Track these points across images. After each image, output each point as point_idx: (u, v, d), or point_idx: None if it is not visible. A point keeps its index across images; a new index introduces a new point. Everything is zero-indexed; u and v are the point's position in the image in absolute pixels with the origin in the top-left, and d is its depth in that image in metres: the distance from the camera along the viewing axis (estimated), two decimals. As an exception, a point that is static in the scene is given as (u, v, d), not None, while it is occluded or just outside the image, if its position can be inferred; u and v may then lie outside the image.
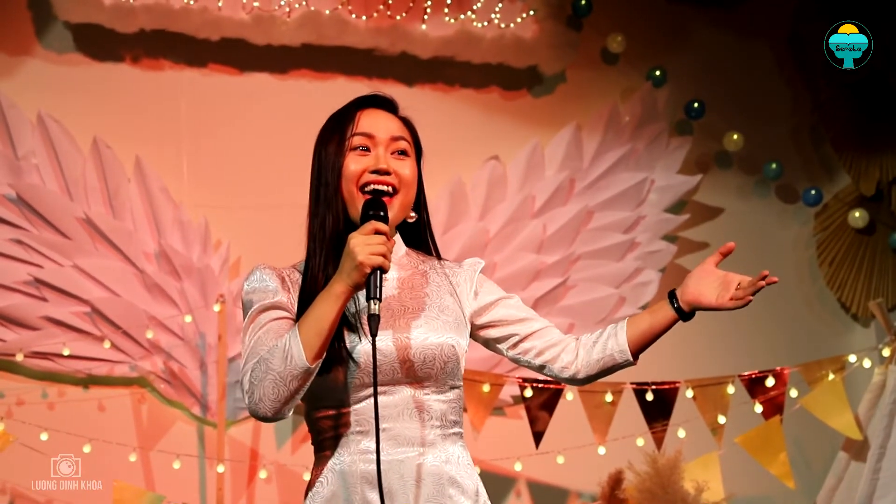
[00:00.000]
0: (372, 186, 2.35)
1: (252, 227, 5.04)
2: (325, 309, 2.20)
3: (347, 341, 2.27)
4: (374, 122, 2.41)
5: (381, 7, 5.11)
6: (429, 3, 5.14)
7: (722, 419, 4.92)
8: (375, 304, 2.19)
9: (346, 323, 2.29)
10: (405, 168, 2.39)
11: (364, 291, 2.22)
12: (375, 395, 2.23)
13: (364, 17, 5.12)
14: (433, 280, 2.42)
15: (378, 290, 2.20)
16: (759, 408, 4.93)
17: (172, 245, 4.88)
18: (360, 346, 2.27)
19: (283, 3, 5.02)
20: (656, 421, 4.86)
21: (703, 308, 2.38)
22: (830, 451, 5.16)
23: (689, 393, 4.94)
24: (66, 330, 4.78)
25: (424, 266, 2.46)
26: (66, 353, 4.75)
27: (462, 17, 5.20)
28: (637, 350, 2.43)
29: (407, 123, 2.47)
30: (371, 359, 2.24)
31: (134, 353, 4.84)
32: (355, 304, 2.31)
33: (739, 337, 5.45)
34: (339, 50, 5.14)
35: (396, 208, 2.37)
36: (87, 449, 4.64)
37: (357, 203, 2.35)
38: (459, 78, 5.31)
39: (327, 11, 5.08)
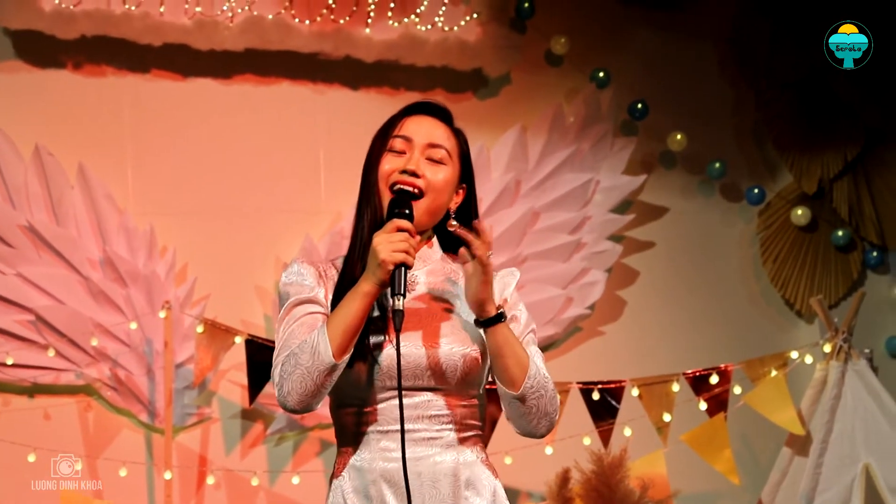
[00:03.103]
0: (398, 186, 2.40)
1: (198, 233, 5.03)
2: (353, 306, 2.28)
3: (373, 341, 2.33)
4: (415, 127, 2.46)
5: (325, 11, 5.11)
6: (372, 6, 5.15)
7: (667, 417, 4.97)
8: (399, 300, 2.26)
9: (372, 322, 2.34)
10: (435, 174, 2.43)
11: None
12: (400, 392, 2.29)
13: (307, 22, 5.11)
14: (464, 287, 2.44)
15: (402, 286, 2.26)
16: (703, 405, 4.99)
17: (117, 252, 4.86)
18: (386, 348, 2.33)
19: (225, 7, 5.01)
20: (602, 420, 4.91)
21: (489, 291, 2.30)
22: (775, 447, 5.22)
23: (635, 391, 4.99)
24: (9, 339, 4.74)
25: (458, 272, 2.47)
26: (9, 361, 4.71)
27: (406, 20, 5.21)
28: (509, 381, 2.32)
29: (458, 135, 2.51)
30: (395, 361, 2.30)
31: (79, 360, 4.81)
32: (383, 303, 2.35)
33: (684, 335, 5.51)
34: (282, 54, 5.14)
35: (421, 210, 2.40)
36: (31, 458, 4.61)
37: (385, 202, 2.41)
38: (404, 81, 5.32)
39: (270, 16, 5.08)
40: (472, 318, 2.38)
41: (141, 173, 5.02)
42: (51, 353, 4.75)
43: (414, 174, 2.41)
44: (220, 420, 4.96)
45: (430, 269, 2.46)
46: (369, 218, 2.43)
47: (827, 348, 5.14)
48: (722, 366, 5.02)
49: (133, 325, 4.81)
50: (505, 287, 2.48)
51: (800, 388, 5.19)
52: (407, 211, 2.35)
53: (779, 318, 5.71)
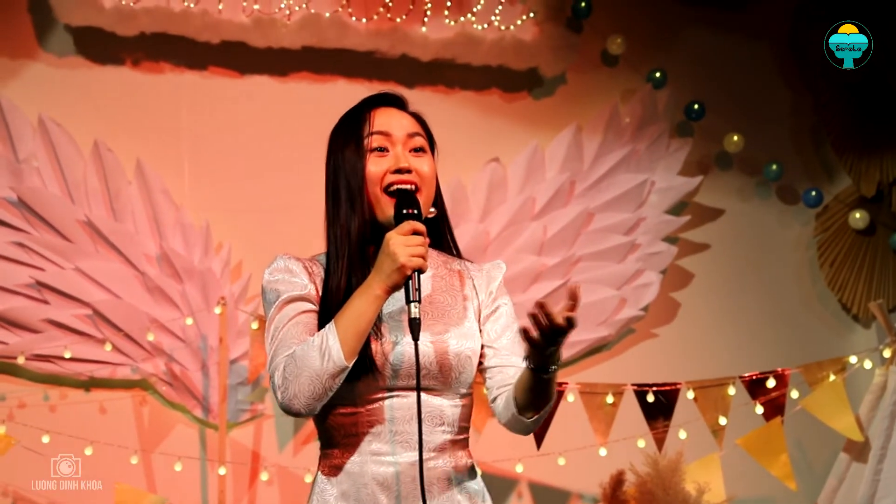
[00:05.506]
0: (395, 187, 2.34)
1: (253, 230, 5.04)
2: (363, 308, 2.21)
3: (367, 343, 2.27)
4: (388, 121, 2.39)
5: (381, 9, 5.12)
6: (429, 5, 5.14)
7: (723, 420, 4.92)
8: (416, 308, 2.21)
9: None
10: (424, 165, 2.38)
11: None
12: (419, 397, 2.25)
13: (364, 20, 5.12)
14: (464, 283, 2.42)
15: (417, 292, 2.21)
16: (760, 409, 4.93)
17: (174, 247, 4.89)
18: (379, 348, 2.28)
19: (283, 5, 5.03)
20: (657, 422, 4.87)
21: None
22: (832, 453, 5.16)
23: (690, 394, 4.94)
24: (67, 332, 4.78)
25: (453, 266, 2.45)
26: (67, 355, 4.75)
27: (462, 19, 5.20)
28: (529, 410, 2.33)
29: (419, 119, 2.46)
30: (388, 361, 2.27)
31: (135, 355, 4.84)
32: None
33: (740, 338, 5.46)
34: (339, 52, 5.15)
35: (421, 205, 2.35)
36: (88, 451, 4.65)
37: (382, 205, 2.34)
38: (459, 80, 5.32)
39: (327, 14, 5.09)
40: (467, 314, 2.36)
41: (197, 170, 5.05)
42: (107, 347, 4.79)
43: (407, 171, 2.35)
44: (273, 416, 4.97)
45: (431, 264, 2.39)
46: (358, 225, 2.34)
47: (887, 353, 5.07)
48: (779, 369, 4.97)
49: (189, 321, 4.84)
50: (491, 280, 2.46)
51: (858, 393, 5.12)
52: (415, 211, 2.28)
53: (835, 323, 5.64)
